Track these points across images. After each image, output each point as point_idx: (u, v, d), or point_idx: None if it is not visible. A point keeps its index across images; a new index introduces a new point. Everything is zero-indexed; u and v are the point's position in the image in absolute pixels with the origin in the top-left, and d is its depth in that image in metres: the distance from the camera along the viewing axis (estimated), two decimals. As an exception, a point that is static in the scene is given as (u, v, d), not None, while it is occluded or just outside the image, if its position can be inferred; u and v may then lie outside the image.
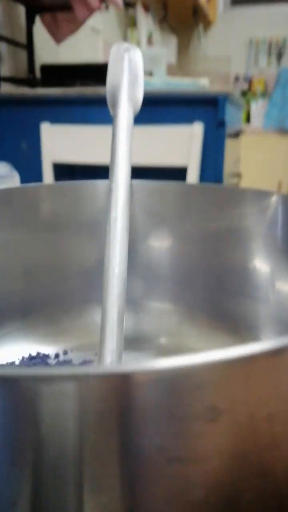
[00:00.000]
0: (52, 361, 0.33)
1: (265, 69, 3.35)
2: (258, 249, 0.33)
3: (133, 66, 0.33)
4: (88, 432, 0.11)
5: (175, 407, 0.11)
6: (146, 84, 0.37)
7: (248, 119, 3.15)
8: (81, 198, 0.36)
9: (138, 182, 0.35)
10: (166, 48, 2.14)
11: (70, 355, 0.34)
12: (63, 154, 1.13)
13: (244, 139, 1.78)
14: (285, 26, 3.24)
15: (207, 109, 1.11)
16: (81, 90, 1.18)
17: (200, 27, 3.23)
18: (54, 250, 0.36)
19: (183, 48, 3.14)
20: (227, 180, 1.27)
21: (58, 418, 0.11)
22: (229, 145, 1.23)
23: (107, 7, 1.38)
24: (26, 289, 0.35)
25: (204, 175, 1.11)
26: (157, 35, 2.48)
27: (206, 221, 0.35)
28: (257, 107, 3.14)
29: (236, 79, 3.37)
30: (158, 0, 2.50)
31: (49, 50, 1.63)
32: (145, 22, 2.22)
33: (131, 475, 0.11)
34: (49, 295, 0.36)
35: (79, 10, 1.31)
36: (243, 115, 2.87)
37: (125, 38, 2.41)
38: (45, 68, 1.37)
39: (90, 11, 1.31)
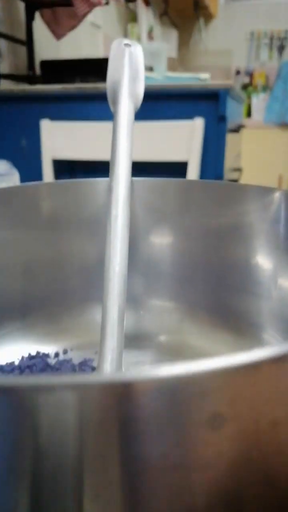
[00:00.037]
0: (52, 360, 0.33)
1: (267, 63, 3.33)
2: (260, 246, 0.33)
3: (134, 61, 0.33)
4: (88, 441, 0.11)
5: (178, 415, 0.11)
6: (146, 79, 0.36)
7: (249, 113, 3.13)
8: (81, 196, 0.35)
9: (138, 179, 0.35)
10: (167, 43, 2.13)
11: (70, 354, 0.34)
12: (63, 150, 1.12)
13: (245, 133, 1.77)
14: (287, 19, 3.22)
15: (208, 103, 1.11)
16: (81, 86, 1.17)
17: (201, 20, 3.20)
18: (54, 249, 0.35)
19: (184, 42, 3.12)
20: (228, 174, 1.27)
21: (58, 426, 0.10)
22: (230, 139, 1.22)
23: (107, 2, 1.37)
24: (26, 287, 0.35)
25: (205, 170, 1.10)
26: (157, 30, 2.46)
27: (207, 218, 0.35)
28: (258, 101, 3.13)
29: (237, 72, 3.35)
30: (159, -6, 2.48)
31: (49, 46, 1.62)
32: (146, 16, 2.20)
33: (132, 484, 0.11)
34: (49, 293, 0.35)
35: (79, 5, 1.30)
36: (244, 109, 2.86)
37: (125, 33, 2.40)
38: (45, 64, 1.36)
39: (90, 6, 1.31)
